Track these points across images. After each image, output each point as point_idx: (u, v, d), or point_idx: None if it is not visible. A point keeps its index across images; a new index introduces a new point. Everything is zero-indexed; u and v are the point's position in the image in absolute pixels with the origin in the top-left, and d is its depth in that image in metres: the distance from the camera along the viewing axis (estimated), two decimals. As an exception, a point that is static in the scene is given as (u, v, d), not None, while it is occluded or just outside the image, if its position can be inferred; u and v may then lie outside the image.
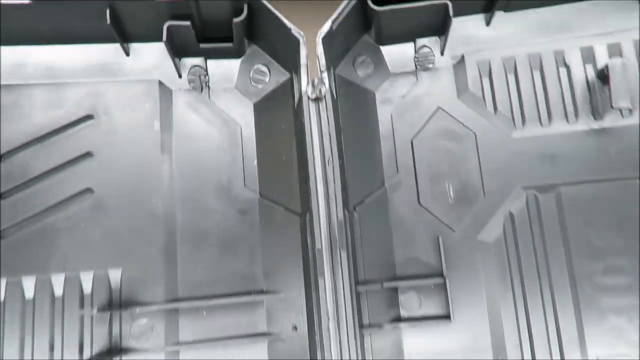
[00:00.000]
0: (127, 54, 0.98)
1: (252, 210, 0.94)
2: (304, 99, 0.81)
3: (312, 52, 0.84)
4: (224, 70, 1.00)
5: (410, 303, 0.92)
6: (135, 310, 0.86)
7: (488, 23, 0.97)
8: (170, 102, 0.98)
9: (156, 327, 0.87)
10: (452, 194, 0.94)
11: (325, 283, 0.80)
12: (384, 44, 0.99)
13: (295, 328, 0.90)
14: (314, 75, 0.84)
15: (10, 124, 0.91)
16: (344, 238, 0.81)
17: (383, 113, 0.98)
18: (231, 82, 0.99)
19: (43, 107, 0.93)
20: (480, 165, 0.94)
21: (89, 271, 0.88)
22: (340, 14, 0.86)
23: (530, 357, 0.87)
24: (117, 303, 0.87)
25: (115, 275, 0.89)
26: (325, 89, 0.80)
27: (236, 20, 0.89)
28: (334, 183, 0.82)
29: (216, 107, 0.98)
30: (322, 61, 0.83)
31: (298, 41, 0.84)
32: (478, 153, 0.95)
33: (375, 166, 0.97)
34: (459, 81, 0.97)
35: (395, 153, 0.97)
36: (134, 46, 0.99)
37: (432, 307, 0.91)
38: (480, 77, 0.96)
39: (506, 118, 0.95)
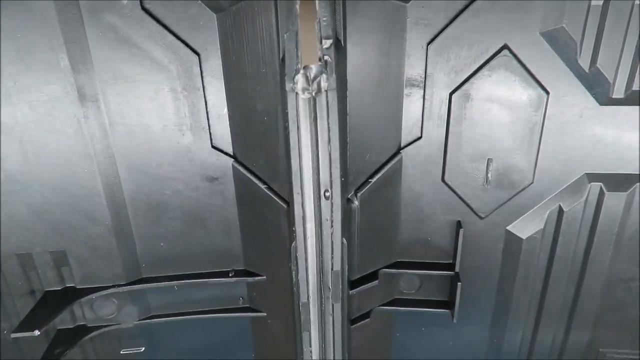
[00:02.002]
0: None
1: (223, 177, 0.70)
2: (289, 93, 0.48)
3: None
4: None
5: (408, 284, 0.79)
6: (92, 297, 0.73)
7: None
8: (87, 16, 0.60)
9: (123, 307, 0.76)
10: (490, 175, 0.69)
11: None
12: None
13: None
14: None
15: None
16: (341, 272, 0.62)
17: (414, 43, 0.63)
18: None
19: None
20: (540, 141, 0.66)
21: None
22: None
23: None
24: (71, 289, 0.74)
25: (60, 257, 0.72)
26: (324, 84, 0.46)
27: None
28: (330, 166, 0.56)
29: (159, 25, 0.61)
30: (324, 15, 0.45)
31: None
32: (543, 123, 0.65)
33: (392, 124, 0.68)
34: (544, 7, 0.59)
35: (423, 109, 0.66)
36: None
37: (432, 292, 0.79)
38: (588, 5, 0.58)
39: (603, 78, 0.61)
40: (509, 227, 0.72)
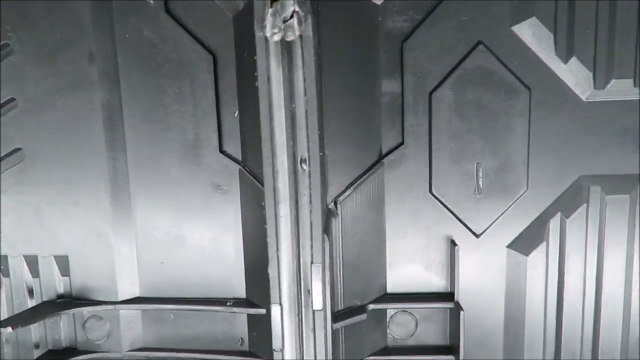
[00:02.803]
0: None
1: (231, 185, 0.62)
2: (258, 39, 0.44)
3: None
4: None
5: (403, 328, 0.67)
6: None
7: None
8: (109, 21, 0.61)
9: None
10: (480, 182, 0.63)
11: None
12: None
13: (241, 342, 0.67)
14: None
15: None
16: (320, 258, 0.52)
17: (390, 44, 0.61)
18: None
19: None
20: (529, 140, 0.62)
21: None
22: None
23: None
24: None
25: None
26: (297, 27, 0.42)
27: None
28: (309, 177, 0.49)
29: (178, 27, 0.59)
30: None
31: None
32: (530, 120, 0.62)
33: (371, 133, 0.63)
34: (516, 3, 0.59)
35: (403, 112, 0.63)
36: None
37: (430, 334, 0.67)
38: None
39: (585, 72, 0.60)
40: (508, 246, 0.64)
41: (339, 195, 0.60)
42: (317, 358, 0.56)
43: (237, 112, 0.62)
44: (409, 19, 0.61)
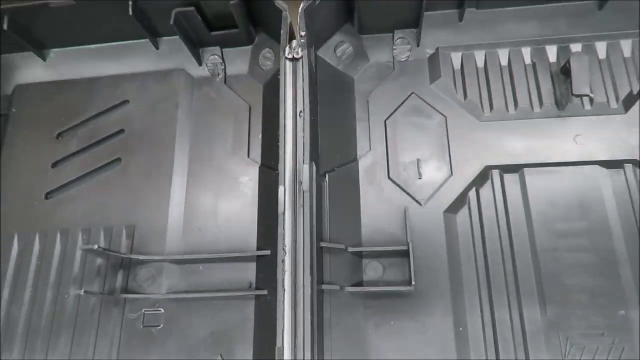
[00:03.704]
0: (157, 47, 1.12)
1: (253, 177, 1.00)
2: (281, 59, 0.88)
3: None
4: (238, 57, 1.11)
5: (374, 271, 0.92)
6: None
7: (461, 19, 1.05)
8: (191, 87, 1.10)
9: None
10: (420, 170, 0.97)
11: (285, 236, 0.82)
12: (365, 34, 1.07)
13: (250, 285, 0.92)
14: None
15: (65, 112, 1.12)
16: (309, 193, 0.84)
17: (360, 95, 1.05)
18: (244, 69, 1.09)
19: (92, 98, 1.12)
20: (449, 146, 0.99)
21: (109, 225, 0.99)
22: (323, -7, 0.95)
23: (491, 327, 0.86)
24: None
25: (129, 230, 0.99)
26: (302, 51, 0.87)
27: (232, 2, 0.99)
28: (303, 137, 0.86)
29: (230, 90, 1.07)
30: (302, 24, 0.90)
31: (281, 11, 0.93)
32: (447, 135, 0.99)
33: (350, 142, 1.01)
34: (432, 71, 1.04)
35: (369, 131, 1.02)
36: (164, 39, 1.13)
37: (394, 275, 0.91)
38: (452, 67, 1.03)
39: (475, 105, 1.01)
40: (444, 211, 0.94)
41: (327, 172, 0.96)
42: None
43: (260, 135, 1.03)
44: (373, 84, 1.06)
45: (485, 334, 0.86)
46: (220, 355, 0.89)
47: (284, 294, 0.77)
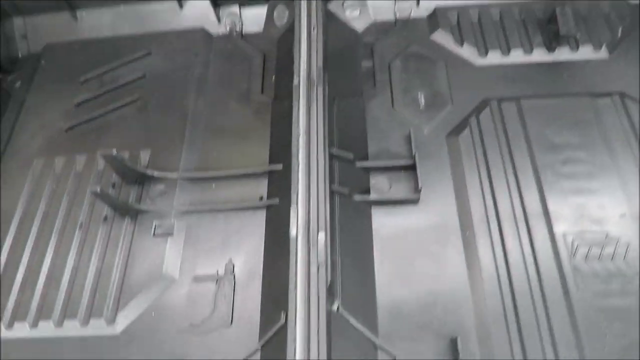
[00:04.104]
0: (181, 7, 1.23)
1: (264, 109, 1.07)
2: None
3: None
4: (254, 14, 1.21)
5: (381, 186, 0.96)
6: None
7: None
8: (210, 42, 1.20)
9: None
10: (423, 101, 1.04)
11: (299, 144, 0.87)
12: (370, -6, 1.19)
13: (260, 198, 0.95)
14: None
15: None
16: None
17: (365, 45, 1.14)
18: (260, 25, 1.20)
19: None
20: (449, 83, 1.06)
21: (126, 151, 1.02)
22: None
23: (497, 231, 0.88)
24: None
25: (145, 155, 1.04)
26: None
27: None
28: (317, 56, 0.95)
29: (246, 43, 1.17)
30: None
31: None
32: (447, 75, 1.08)
33: (356, 81, 1.09)
34: (431, 25, 1.15)
35: (374, 72, 1.10)
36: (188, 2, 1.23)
37: (401, 191, 0.95)
38: (450, 22, 1.14)
39: (471, 51, 1.10)
40: (446, 135, 1.00)
41: (335, 97, 1.02)
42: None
43: (274, 76, 1.12)
44: (377, 37, 1.16)
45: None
46: (230, 259, 0.89)
47: (298, 166, 0.80)
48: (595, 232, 0.86)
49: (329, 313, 0.73)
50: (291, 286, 0.74)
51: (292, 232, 0.80)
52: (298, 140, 0.88)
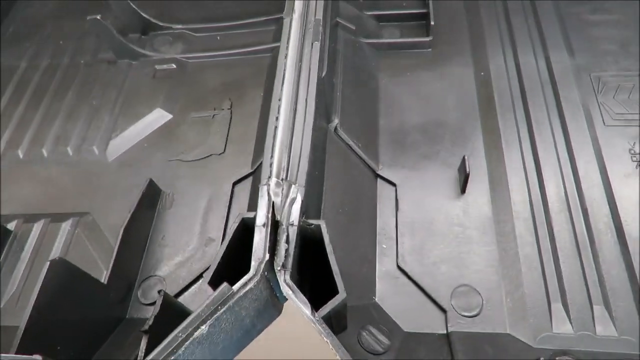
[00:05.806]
0: None
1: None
2: None
3: None
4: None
5: (390, 35, 0.90)
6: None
7: None
8: None
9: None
10: None
11: None
12: None
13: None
14: None
15: None
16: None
17: None
18: None
19: None
20: None
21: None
22: None
23: (516, 77, 0.81)
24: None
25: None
26: None
27: None
28: None
29: None
30: None
31: None
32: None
33: None
34: None
35: None
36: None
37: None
38: None
39: None
40: (464, -7, 0.94)
41: None
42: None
43: None
44: None
45: (509, 73, 0.81)
46: (230, 98, 0.85)
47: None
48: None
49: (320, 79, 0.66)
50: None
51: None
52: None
